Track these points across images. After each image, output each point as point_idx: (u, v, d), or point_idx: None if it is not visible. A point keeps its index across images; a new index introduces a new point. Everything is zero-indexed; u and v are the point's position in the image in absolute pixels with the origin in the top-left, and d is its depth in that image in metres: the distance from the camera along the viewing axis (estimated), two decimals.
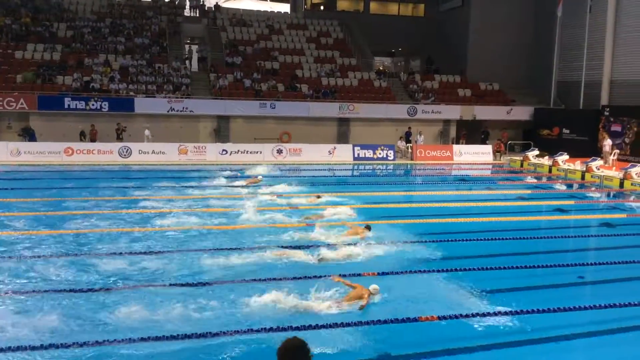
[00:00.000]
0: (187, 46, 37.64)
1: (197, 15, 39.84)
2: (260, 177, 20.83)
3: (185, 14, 39.87)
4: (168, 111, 29.43)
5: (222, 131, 30.83)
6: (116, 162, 25.91)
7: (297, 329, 7.65)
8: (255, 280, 9.67)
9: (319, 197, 17.25)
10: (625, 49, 30.89)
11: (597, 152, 27.96)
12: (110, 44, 33.46)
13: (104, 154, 26.30)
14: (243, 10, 41.99)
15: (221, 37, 36.82)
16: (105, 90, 29.28)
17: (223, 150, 27.96)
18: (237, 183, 20.25)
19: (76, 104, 28.08)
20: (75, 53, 31.89)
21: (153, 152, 27.01)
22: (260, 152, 28.25)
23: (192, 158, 27.26)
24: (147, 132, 27.88)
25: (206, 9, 40.44)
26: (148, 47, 34.16)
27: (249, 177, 21.30)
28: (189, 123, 30.12)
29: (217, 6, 40.86)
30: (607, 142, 25.94)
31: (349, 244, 11.65)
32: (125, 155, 26.58)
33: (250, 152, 28.15)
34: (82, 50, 32.34)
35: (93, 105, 28.21)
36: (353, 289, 9.05)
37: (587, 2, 31.52)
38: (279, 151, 28.47)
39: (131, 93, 29.89)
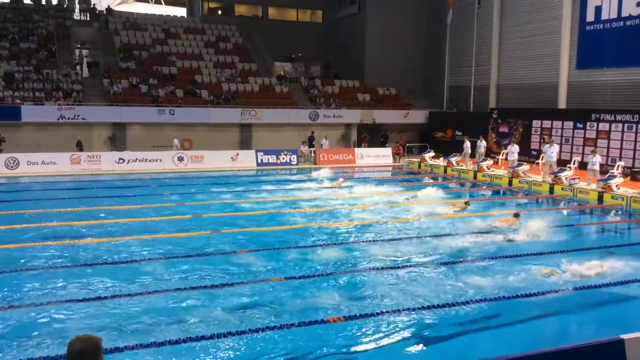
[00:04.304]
0: (77, 51, 35.86)
1: (88, 18, 38.07)
2: (341, 179, 22.24)
3: (75, 17, 37.98)
4: (58, 119, 27.87)
5: (118, 139, 29.60)
6: (3, 174, 24.15)
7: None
8: None
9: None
10: (509, 55, 32.91)
11: (488, 152, 29.52)
12: None
13: None
14: (137, 13, 40.64)
15: (114, 42, 35.42)
16: None
17: (120, 158, 26.83)
18: (325, 185, 21.54)
19: None
20: None
21: (43, 162, 25.39)
22: (160, 160, 27.38)
23: (86, 167, 25.93)
24: (175, 141, 28.96)
25: (97, 12, 38.73)
26: (35, 52, 32.19)
27: (333, 179, 22.77)
28: (81, 131, 28.61)
29: (109, 9, 39.27)
30: (467, 145, 27.54)
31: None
32: (12, 166, 24.83)
33: (149, 160, 27.21)
34: None
35: None
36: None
37: (475, 10, 33.31)
38: (180, 158, 27.74)
39: (17, 100, 28.01)
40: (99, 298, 9.09)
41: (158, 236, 13.28)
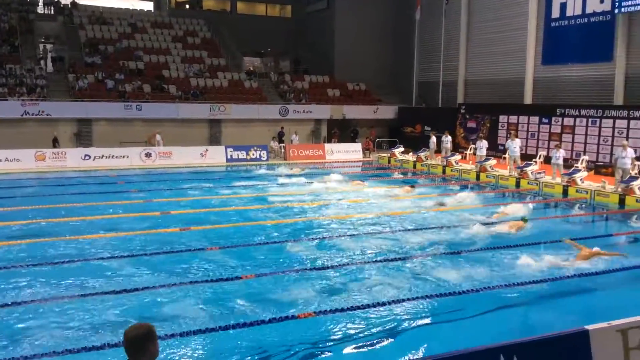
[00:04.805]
0: (41, 45, 35.02)
1: (52, 12, 37.23)
2: (366, 182, 21.79)
3: (39, 11, 37.11)
4: (22, 115, 27.24)
5: (83, 135, 29.05)
6: None
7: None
8: None
9: (412, 187, 19.69)
10: (477, 51, 33.28)
11: (456, 148, 29.84)
12: None
13: None
14: (102, 7, 39.84)
15: (79, 36, 34.72)
16: None
17: (86, 155, 26.36)
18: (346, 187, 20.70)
19: None
20: None
21: (7, 159, 24.76)
22: (128, 157, 26.98)
23: (51, 164, 25.42)
24: (158, 137, 28.12)
25: (62, 6, 37.89)
26: None
27: (354, 178, 22.74)
28: (46, 127, 27.99)
29: (74, 3, 38.44)
30: (432, 140, 27.87)
31: None
32: None
33: (116, 157, 26.80)
34: None
35: None
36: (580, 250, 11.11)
37: (443, 7, 33.59)
38: (148, 155, 27.37)
39: None
40: (65, 297, 8.92)
41: (126, 234, 13.09)
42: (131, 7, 42.68)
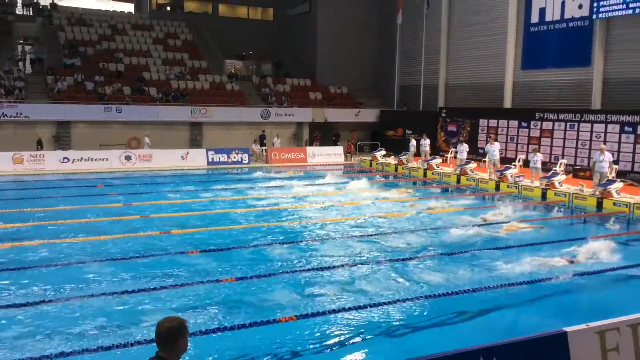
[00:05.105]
0: (20, 47, 34.59)
1: (31, 14, 36.81)
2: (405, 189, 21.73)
3: (17, 12, 36.65)
4: (0, 117, 26.89)
5: (62, 138, 28.72)
6: None
7: None
8: None
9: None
10: (457, 55, 33.56)
11: (437, 151, 30.05)
12: None
13: None
14: (82, 9, 39.49)
15: (59, 37, 34.35)
16: None
17: (64, 158, 26.03)
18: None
19: None
20: None
21: None
22: (107, 159, 26.72)
23: (29, 167, 25.06)
24: (146, 139, 28.21)
25: (41, 7, 37.48)
26: None
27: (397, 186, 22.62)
28: (24, 130, 27.62)
29: (53, 4, 38.06)
30: (412, 143, 28.08)
31: None
32: None
33: (96, 160, 26.51)
34: None
35: None
36: None
37: (424, 11, 33.82)
38: (128, 157, 27.13)
39: None
40: (43, 302, 8.78)
41: (105, 237, 12.94)
42: (111, 9, 42.41)
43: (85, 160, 26.29)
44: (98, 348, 7.20)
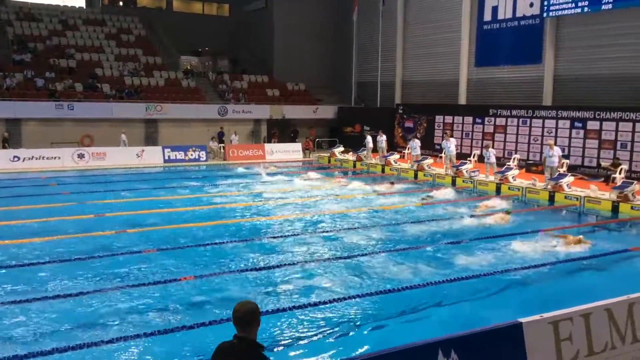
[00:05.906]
0: None
1: None
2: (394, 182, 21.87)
3: None
4: None
5: (12, 136, 27.79)
6: None
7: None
8: None
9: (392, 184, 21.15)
10: (413, 52, 33.95)
11: (394, 147, 30.34)
12: None
13: None
14: (31, 3, 38.24)
15: (7, 33, 33.22)
16: None
17: (14, 156, 25.22)
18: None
19: None
20: None
21: None
22: (59, 158, 26.02)
23: None
24: (123, 136, 27.75)
25: None
26: None
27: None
28: None
29: None
30: (368, 139, 28.37)
31: None
32: None
33: (47, 158, 25.80)
34: None
35: None
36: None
37: (380, 8, 34.06)
38: (80, 156, 26.48)
39: None
40: None
41: (58, 237, 12.59)
42: (62, 4, 41.18)
43: (37, 158, 25.54)
44: (53, 350, 7.01)
